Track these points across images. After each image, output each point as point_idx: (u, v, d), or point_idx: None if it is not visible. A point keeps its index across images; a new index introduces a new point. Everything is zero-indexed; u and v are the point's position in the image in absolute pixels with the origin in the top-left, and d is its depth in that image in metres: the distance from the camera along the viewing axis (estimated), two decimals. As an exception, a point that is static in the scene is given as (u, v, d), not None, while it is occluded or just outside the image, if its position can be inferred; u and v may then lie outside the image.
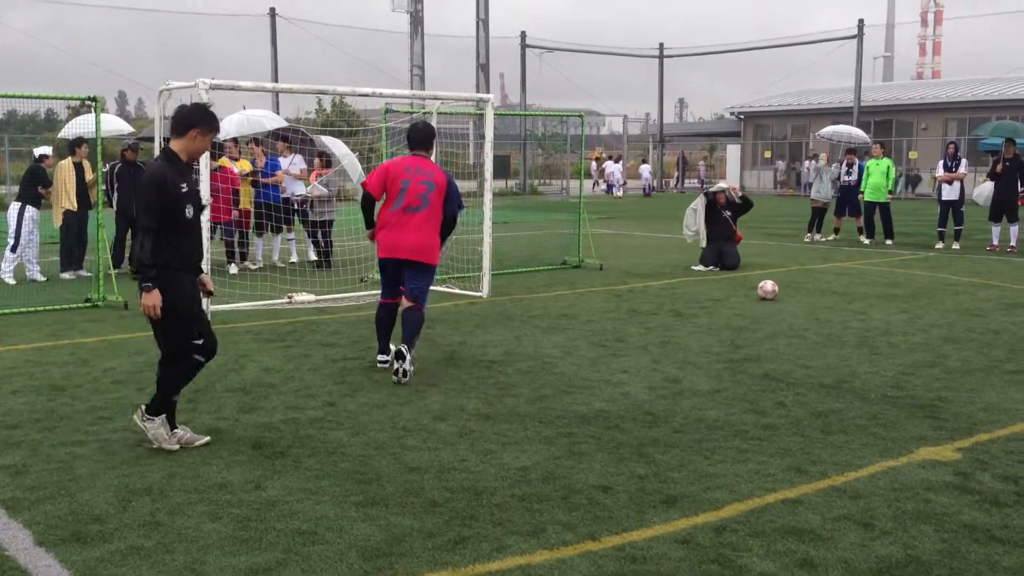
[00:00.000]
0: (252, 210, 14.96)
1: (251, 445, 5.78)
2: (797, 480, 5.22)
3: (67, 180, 13.44)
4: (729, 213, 15.32)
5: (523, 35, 46.03)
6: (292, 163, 15.48)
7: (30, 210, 13.27)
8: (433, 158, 8.20)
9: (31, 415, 6.45)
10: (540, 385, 7.37)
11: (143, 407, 5.74)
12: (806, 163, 39.73)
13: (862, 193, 19.44)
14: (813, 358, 8.35)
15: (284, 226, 15.44)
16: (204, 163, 9.95)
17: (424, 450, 5.73)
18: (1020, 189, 17.91)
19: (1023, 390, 7.21)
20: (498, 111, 15.92)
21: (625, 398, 6.99)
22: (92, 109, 11.37)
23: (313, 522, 4.60)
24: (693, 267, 14.95)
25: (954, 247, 18.25)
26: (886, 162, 19.37)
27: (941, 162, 19.10)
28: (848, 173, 20.03)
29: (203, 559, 4.17)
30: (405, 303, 7.76)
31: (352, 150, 15.64)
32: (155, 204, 5.41)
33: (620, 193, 44.83)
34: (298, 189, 15.23)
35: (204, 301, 5.97)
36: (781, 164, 47.48)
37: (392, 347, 7.66)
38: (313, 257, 15.61)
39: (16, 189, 14.56)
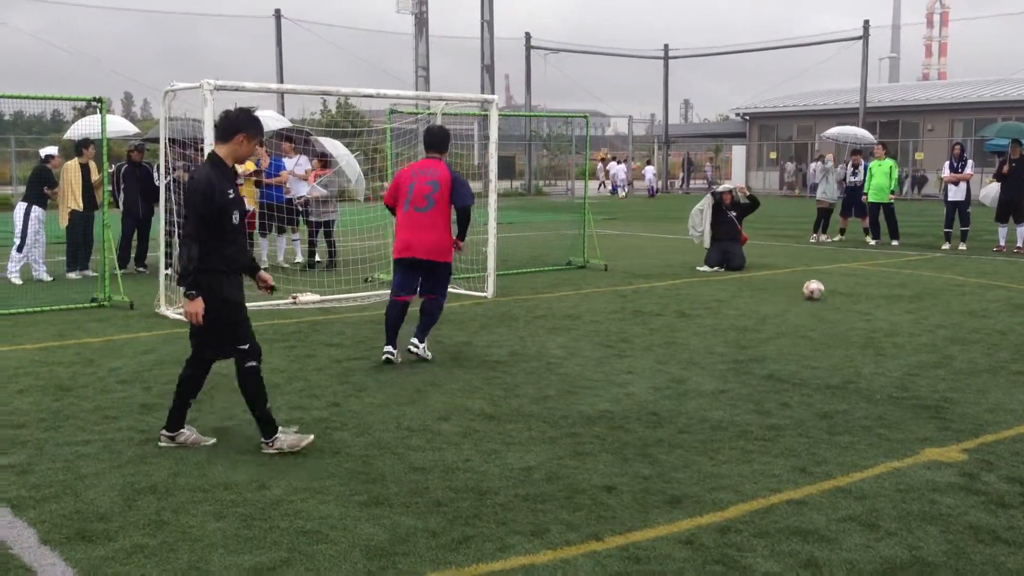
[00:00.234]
0: (257, 211, 14.97)
1: (256, 444, 5.77)
2: (802, 481, 5.22)
3: (73, 180, 13.49)
4: (734, 213, 15.30)
5: (528, 36, 46.03)
6: (297, 164, 15.49)
7: (36, 210, 13.31)
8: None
9: (37, 415, 6.46)
10: (544, 385, 7.36)
11: (263, 441, 5.65)
12: (812, 165, 39.60)
13: (865, 194, 19.41)
14: (818, 359, 8.33)
15: (288, 227, 15.46)
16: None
17: (428, 450, 5.74)
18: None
19: (1029, 391, 7.19)
20: (503, 112, 15.93)
21: (629, 398, 6.98)
22: (98, 110, 11.40)
23: (317, 521, 4.60)
24: (698, 268, 14.94)
25: (960, 248, 18.21)
26: (889, 163, 19.33)
27: (947, 163, 19.05)
28: (854, 174, 20.00)
29: (207, 558, 4.17)
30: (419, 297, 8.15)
31: (356, 151, 15.66)
32: (204, 211, 5.39)
33: (623, 194, 44.82)
34: (302, 190, 15.25)
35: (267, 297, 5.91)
36: (790, 166, 47.30)
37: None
38: (300, 259, 15.59)
39: (23, 190, 14.57)
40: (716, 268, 14.82)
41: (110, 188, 12.17)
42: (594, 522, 4.63)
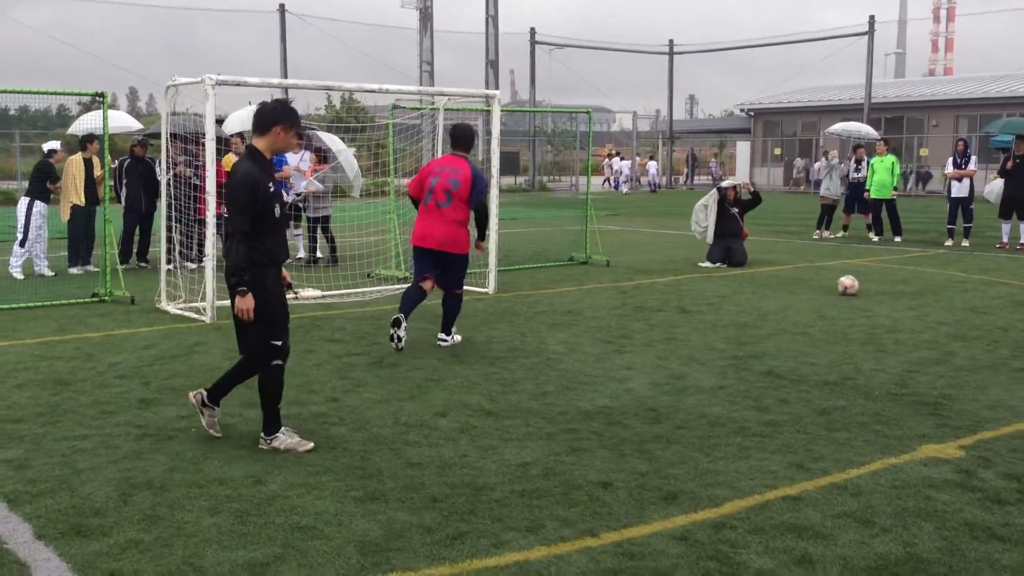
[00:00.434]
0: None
1: (253, 440, 5.78)
2: (798, 477, 5.21)
3: (77, 175, 13.50)
4: (737, 210, 15.28)
5: (532, 31, 45.99)
6: (302, 159, 15.48)
7: (39, 205, 13.33)
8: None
9: (35, 409, 6.48)
10: (543, 381, 7.36)
11: (262, 435, 5.67)
12: (816, 164, 39.41)
13: (867, 191, 19.35)
14: (818, 355, 8.32)
15: (292, 222, 15.45)
16: (211, 157, 9.97)
17: (425, 446, 5.74)
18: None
19: (1029, 388, 7.17)
20: (506, 107, 15.90)
21: (628, 394, 6.98)
22: (102, 105, 11.40)
23: (312, 517, 4.61)
24: (700, 264, 14.92)
25: (963, 244, 18.16)
26: (891, 159, 19.28)
27: (950, 159, 18.99)
28: (857, 170, 19.95)
29: (201, 553, 4.18)
30: (440, 290, 8.60)
31: (361, 145, 15.65)
32: (248, 206, 5.37)
33: (627, 189, 44.78)
34: (303, 185, 15.24)
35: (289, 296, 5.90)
36: (800, 162, 47.05)
37: (402, 317, 8.36)
38: (302, 254, 15.59)
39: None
40: (718, 264, 14.81)
41: (112, 183, 12.16)
42: (589, 518, 4.63)
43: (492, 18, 42.14)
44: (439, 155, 13.01)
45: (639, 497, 4.90)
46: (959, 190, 18.48)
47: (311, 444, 5.65)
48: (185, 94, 11.15)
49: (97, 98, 11.40)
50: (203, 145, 10.25)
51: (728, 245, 14.97)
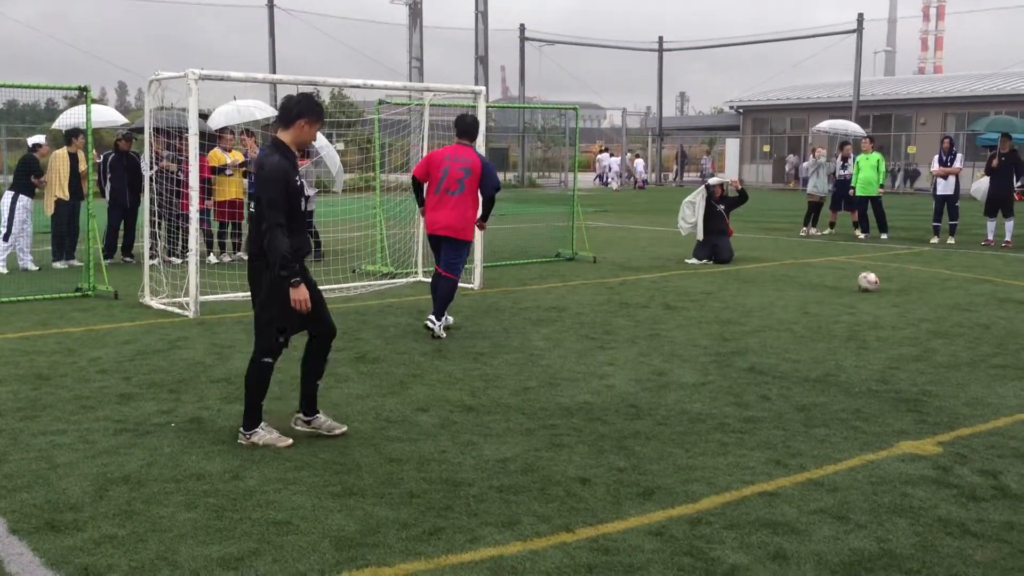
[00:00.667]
0: (245, 200, 14.92)
1: (232, 435, 5.77)
2: (776, 473, 5.22)
3: (61, 169, 13.44)
4: (723, 207, 15.30)
5: (522, 28, 45.95)
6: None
7: (23, 199, 13.27)
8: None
9: (15, 404, 6.45)
10: (526, 377, 7.36)
11: (240, 430, 5.66)
12: (805, 164, 39.40)
13: (853, 188, 19.40)
14: (800, 351, 8.34)
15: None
16: (194, 152, 9.93)
17: (405, 441, 5.73)
18: (1017, 184, 17.89)
19: (1008, 384, 7.21)
20: (493, 104, 15.85)
21: (610, 390, 6.98)
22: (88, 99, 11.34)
23: (289, 512, 4.60)
24: (687, 260, 14.94)
25: (949, 242, 18.23)
26: (876, 156, 19.31)
27: (937, 156, 19.06)
28: (844, 167, 20.00)
29: (176, 548, 4.17)
30: (439, 272, 8.96)
31: (349, 141, 15.62)
32: (281, 199, 5.36)
33: (616, 186, 44.82)
34: None
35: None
36: (793, 158, 47.05)
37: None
38: None
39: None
40: (705, 261, 14.83)
41: (96, 177, 12.11)
42: (566, 514, 4.64)
43: (482, 14, 42.07)
44: (425, 151, 13.01)
45: (616, 493, 4.91)
46: (945, 188, 18.54)
47: (290, 440, 5.64)
48: (171, 88, 11.11)
49: (80, 92, 11.35)
50: (186, 139, 10.21)
51: (714, 242, 14.99)
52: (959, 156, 18.95)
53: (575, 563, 4.09)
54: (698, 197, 15.43)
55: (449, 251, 8.91)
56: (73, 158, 13.52)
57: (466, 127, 9.04)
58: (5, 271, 13.00)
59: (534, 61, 45.14)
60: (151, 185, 11.15)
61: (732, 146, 51.73)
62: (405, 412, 6.36)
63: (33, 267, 13.35)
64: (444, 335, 8.83)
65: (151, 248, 11.18)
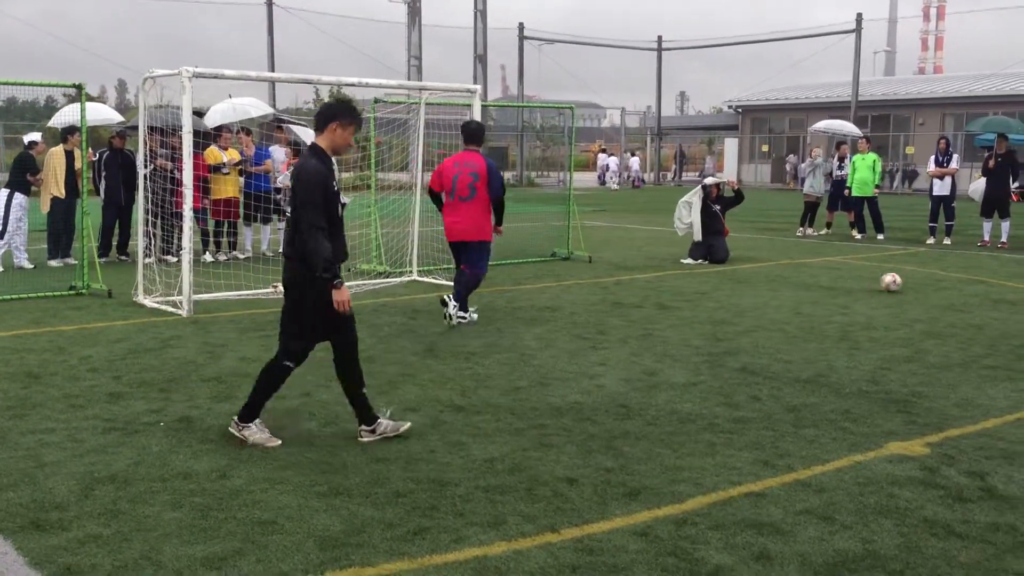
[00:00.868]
0: (241, 199, 14.93)
1: (221, 434, 5.77)
2: (763, 474, 5.22)
3: (58, 167, 13.44)
4: (719, 207, 15.30)
5: (521, 26, 45.93)
6: (287, 153, 15.44)
7: (19, 197, 13.28)
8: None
9: (4, 402, 6.45)
10: (516, 377, 7.36)
11: (235, 418, 5.66)
12: (802, 165, 39.31)
13: (848, 188, 19.39)
14: (792, 352, 8.34)
15: (275, 216, 15.42)
16: (188, 150, 9.93)
17: (393, 441, 5.73)
18: (1014, 185, 17.89)
19: (999, 385, 7.21)
20: (488, 103, 15.84)
21: (600, 390, 6.98)
22: (88, 97, 11.34)
23: (274, 512, 4.60)
24: (682, 260, 14.94)
25: (945, 242, 18.23)
26: (872, 156, 19.31)
27: (933, 157, 19.05)
28: (840, 167, 20.00)
29: (159, 548, 4.17)
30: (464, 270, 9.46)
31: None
32: (320, 202, 5.37)
33: (615, 186, 44.83)
34: (280, 180, 15.20)
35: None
36: (793, 158, 46.97)
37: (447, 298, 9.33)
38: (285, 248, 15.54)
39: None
40: (700, 261, 14.83)
41: (90, 175, 12.10)
42: (552, 514, 4.64)
43: (480, 12, 42.07)
44: (421, 150, 13.03)
45: (603, 493, 4.91)
46: (941, 188, 18.54)
47: (279, 441, 5.63)
48: (168, 87, 11.11)
49: (75, 89, 11.34)
50: (181, 138, 10.21)
51: (710, 242, 14.99)
52: (955, 157, 18.94)
53: (559, 563, 4.09)
54: (695, 197, 15.42)
55: (472, 254, 9.34)
56: (69, 156, 13.51)
57: (470, 133, 9.44)
58: (0, 269, 12.99)
59: (533, 60, 45.31)
60: (146, 183, 11.15)
61: (731, 146, 51.72)
62: (395, 412, 6.34)
63: (28, 265, 13.35)
64: (456, 323, 9.19)
65: (146, 247, 11.18)
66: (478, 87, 12.56)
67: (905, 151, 43.22)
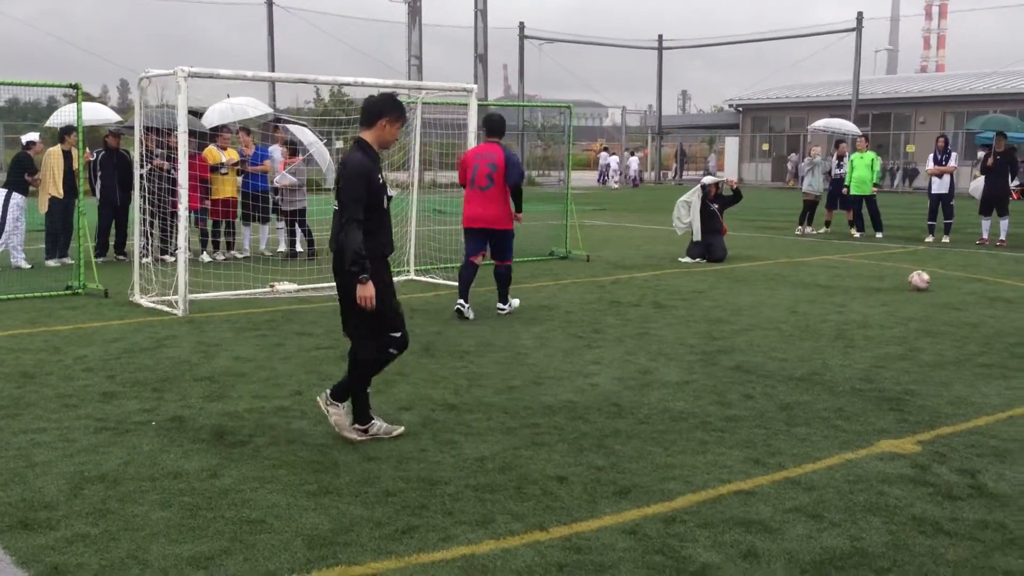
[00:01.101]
0: (239, 199, 14.93)
1: (212, 433, 5.78)
2: (753, 472, 5.22)
3: (55, 167, 13.45)
4: (717, 206, 15.29)
5: (521, 26, 45.92)
6: (284, 153, 15.44)
7: (16, 197, 13.29)
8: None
9: (-3, 402, 6.45)
10: (510, 376, 7.36)
11: (328, 392, 5.75)
12: (801, 164, 39.21)
13: (847, 187, 19.37)
14: (787, 350, 8.33)
15: (273, 215, 15.43)
16: (183, 149, 9.94)
17: (384, 439, 5.73)
18: (1013, 183, 17.88)
19: (992, 383, 7.20)
20: (485, 102, 15.85)
21: (593, 389, 6.98)
22: (89, 97, 11.35)
23: (263, 511, 4.60)
24: (680, 259, 14.93)
25: (944, 241, 18.22)
26: (870, 155, 19.29)
27: (931, 155, 19.04)
28: (839, 166, 19.98)
29: (147, 547, 4.17)
30: (491, 261, 9.89)
31: (348, 139, 15.61)
32: (363, 196, 5.39)
33: (616, 185, 44.82)
34: (277, 179, 15.20)
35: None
36: (795, 157, 46.89)
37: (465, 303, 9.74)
38: (283, 248, 15.56)
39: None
40: (698, 260, 14.82)
41: (87, 175, 12.11)
42: (541, 512, 4.63)
43: (481, 12, 42.06)
44: (417, 148, 13.04)
45: (592, 491, 4.91)
46: (939, 186, 18.52)
47: (359, 437, 5.67)
48: (167, 87, 11.11)
49: (72, 89, 11.35)
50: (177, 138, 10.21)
51: (708, 241, 14.98)
52: (953, 155, 18.92)
53: (546, 562, 4.09)
54: (693, 197, 15.41)
55: (498, 244, 9.75)
56: (67, 155, 13.52)
57: (492, 125, 9.78)
58: (-2, 269, 13.01)
59: (534, 59, 45.28)
60: (143, 183, 11.15)
61: (731, 144, 51.72)
62: (387, 411, 6.34)
63: (26, 265, 13.36)
64: (518, 304, 10.09)
65: (143, 247, 11.19)
66: (475, 86, 12.55)
67: (906, 149, 43.18)
